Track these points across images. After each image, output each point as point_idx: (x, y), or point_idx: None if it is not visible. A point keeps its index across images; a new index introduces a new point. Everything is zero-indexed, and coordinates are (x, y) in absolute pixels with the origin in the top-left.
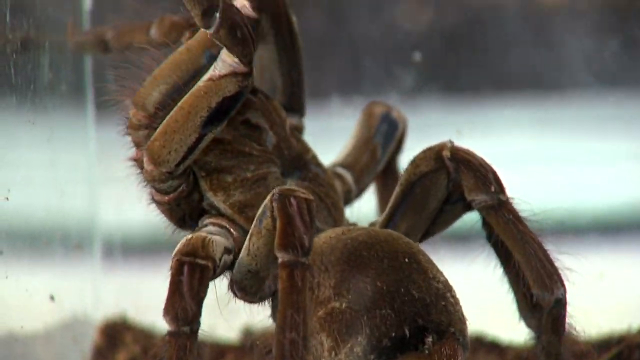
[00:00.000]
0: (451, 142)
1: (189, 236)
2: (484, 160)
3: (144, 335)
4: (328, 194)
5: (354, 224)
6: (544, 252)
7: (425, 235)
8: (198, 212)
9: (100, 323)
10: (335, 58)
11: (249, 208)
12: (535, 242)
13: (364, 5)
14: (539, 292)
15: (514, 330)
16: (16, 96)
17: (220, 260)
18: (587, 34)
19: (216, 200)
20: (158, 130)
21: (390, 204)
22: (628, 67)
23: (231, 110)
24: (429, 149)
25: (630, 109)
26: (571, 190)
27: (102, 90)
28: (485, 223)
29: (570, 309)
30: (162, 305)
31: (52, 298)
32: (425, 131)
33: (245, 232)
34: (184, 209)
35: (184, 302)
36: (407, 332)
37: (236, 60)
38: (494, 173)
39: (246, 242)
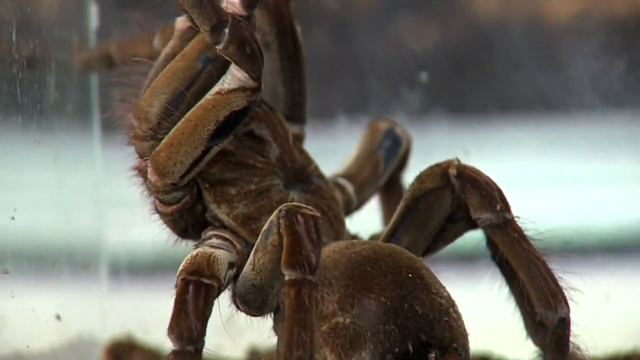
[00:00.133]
0: (458, 160)
1: (194, 253)
2: (489, 179)
3: (150, 355)
4: (330, 206)
5: (355, 236)
6: (549, 271)
7: (427, 251)
8: (201, 224)
9: (107, 343)
10: (341, 78)
11: (252, 221)
12: (540, 261)
13: (370, 25)
14: (543, 311)
15: (520, 349)
16: (22, 116)
17: (224, 278)
18: (594, 55)
19: (219, 212)
20: (164, 141)
21: (393, 218)
22: (634, 88)
23: (238, 124)
24: (436, 166)
25: (637, 129)
26: (577, 211)
27: (108, 110)
28: (490, 242)
29: (576, 329)
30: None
31: (58, 318)
32: (431, 151)
33: (248, 244)
34: (187, 220)
35: (189, 321)
36: (410, 347)
37: (245, 75)
38: (500, 191)
39: (251, 257)
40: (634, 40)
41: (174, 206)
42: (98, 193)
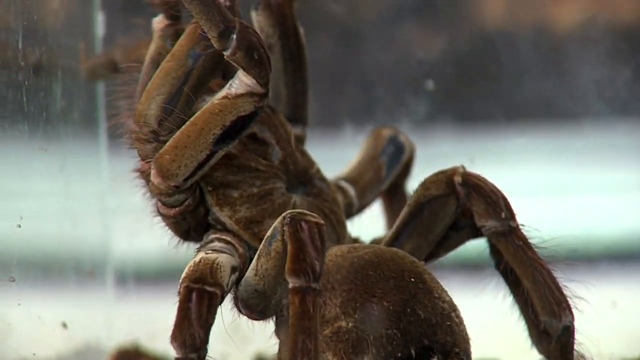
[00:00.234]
0: (463, 167)
1: (197, 259)
2: (495, 187)
3: None
4: (332, 209)
5: (356, 239)
6: (553, 279)
7: (429, 258)
8: (203, 226)
9: (113, 351)
10: (348, 87)
11: (254, 224)
12: (544, 269)
13: (377, 34)
14: (547, 319)
15: (525, 357)
16: (29, 124)
17: (227, 285)
18: (600, 63)
19: (222, 215)
20: (168, 144)
21: (396, 223)
22: None
23: (245, 129)
24: (441, 173)
25: None
26: (583, 219)
27: (114, 117)
28: (494, 250)
29: (581, 337)
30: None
31: (64, 325)
32: (437, 159)
33: (250, 247)
34: (190, 222)
35: (192, 329)
36: (413, 352)
37: (253, 80)
38: (505, 199)
39: (254, 262)
40: None
41: (177, 209)
42: (104, 201)
